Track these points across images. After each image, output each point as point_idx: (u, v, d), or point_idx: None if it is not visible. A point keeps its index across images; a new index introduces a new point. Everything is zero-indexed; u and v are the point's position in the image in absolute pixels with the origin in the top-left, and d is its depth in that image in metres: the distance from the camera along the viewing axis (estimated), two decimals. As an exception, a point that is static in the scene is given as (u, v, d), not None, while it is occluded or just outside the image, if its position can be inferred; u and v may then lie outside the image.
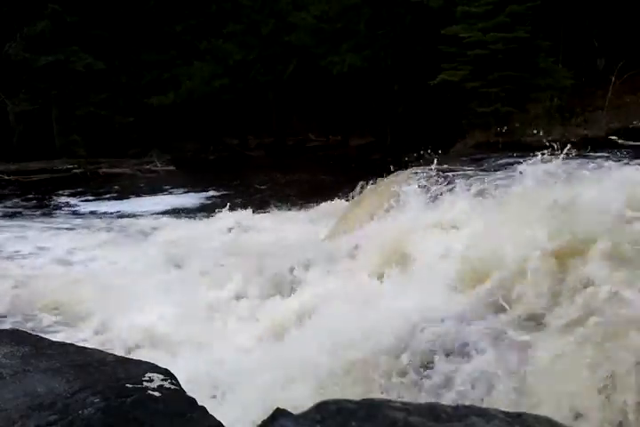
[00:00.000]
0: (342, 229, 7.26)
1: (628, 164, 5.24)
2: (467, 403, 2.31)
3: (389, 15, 15.57)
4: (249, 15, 19.27)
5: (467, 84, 12.35)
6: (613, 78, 12.90)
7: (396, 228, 5.52)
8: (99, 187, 15.23)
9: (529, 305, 3.50)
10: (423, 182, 6.82)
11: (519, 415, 1.34)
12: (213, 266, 7.39)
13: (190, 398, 2.04)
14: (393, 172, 8.16)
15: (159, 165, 17.98)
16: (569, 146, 4.79)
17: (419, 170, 7.61)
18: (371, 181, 8.69)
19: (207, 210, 11.29)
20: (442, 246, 4.65)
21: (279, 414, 1.36)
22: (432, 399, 3.15)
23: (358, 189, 9.00)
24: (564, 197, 3.85)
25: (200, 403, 2.02)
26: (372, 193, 7.90)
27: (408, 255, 4.93)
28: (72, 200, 13.77)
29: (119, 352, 3.93)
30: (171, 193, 14.22)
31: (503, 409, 1.40)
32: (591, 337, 3.09)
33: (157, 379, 2.07)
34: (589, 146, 7.50)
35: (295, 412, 1.35)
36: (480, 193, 5.67)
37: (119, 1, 18.81)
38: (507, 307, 3.58)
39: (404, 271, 4.78)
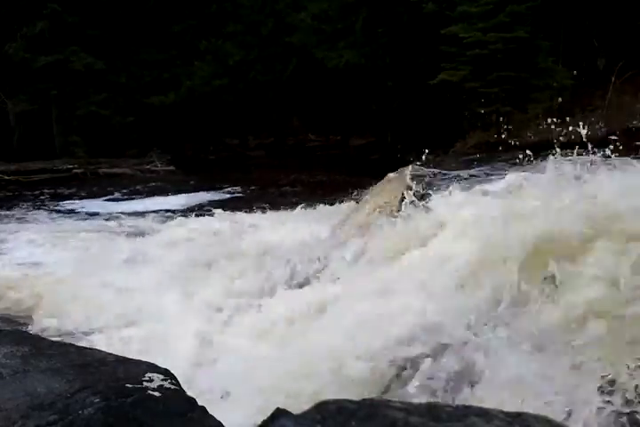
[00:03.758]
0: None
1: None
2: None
3: (388, 14, 15.59)
4: (249, 15, 19.30)
5: (466, 84, 12.36)
6: (613, 78, 12.90)
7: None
8: (99, 187, 15.23)
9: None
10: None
11: (519, 415, 1.34)
12: (214, 266, 7.39)
13: (190, 398, 2.04)
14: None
15: (159, 165, 17.99)
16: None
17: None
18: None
19: (208, 210, 11.29)
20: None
21: (279, 414, 1.36)
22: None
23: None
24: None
25: (200, 403, 2.02)
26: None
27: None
28: (72, 200, 13.77)
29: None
30: (171, 193, 14.21)
31: (503, 409, 1.40)
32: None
33: (157, 379, 2.07)
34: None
35: (295, 412, 1.35)
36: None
37: (118, 1, 18.82)
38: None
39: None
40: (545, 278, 3.50)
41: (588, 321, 3.14)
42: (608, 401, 2.76)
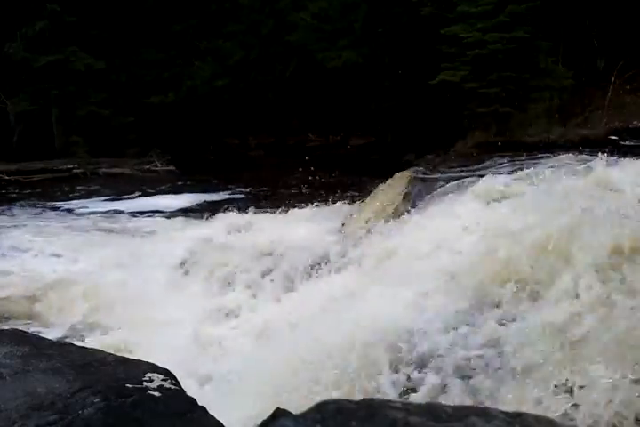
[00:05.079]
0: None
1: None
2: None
3: (388, 14, 15.59)
4: (249, 15, 19.28)
5: (466, 84, 12.34)
6: (613, 78, 12.89)
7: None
8: (99, 187, 15.22)
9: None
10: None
11: (519, 415, 1.34)
12: (215, 266, 7.39)
13: (190, 398, 2.04)
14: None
15: (159, 165, 17.98)
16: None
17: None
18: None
19: (208, 210, 11.28)
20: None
21: (279, 414, 1.36)
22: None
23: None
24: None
25: (200, 403, 2.02)
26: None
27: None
28: (72, 200, 13.76)
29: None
30: (171, 193, 14.20)
31: (503, 409, 1.40)
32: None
33: (157, 379, 2.07)
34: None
35: (295, 412, 1.35)
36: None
37: (118, 1, 18.80)
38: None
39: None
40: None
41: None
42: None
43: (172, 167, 17.93)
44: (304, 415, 1.30)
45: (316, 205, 9.95)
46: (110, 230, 10.31)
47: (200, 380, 4.61)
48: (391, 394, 3.42)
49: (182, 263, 7.75)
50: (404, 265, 4.90)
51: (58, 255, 8.60)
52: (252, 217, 9.54)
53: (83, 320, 6.39)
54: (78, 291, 6.93)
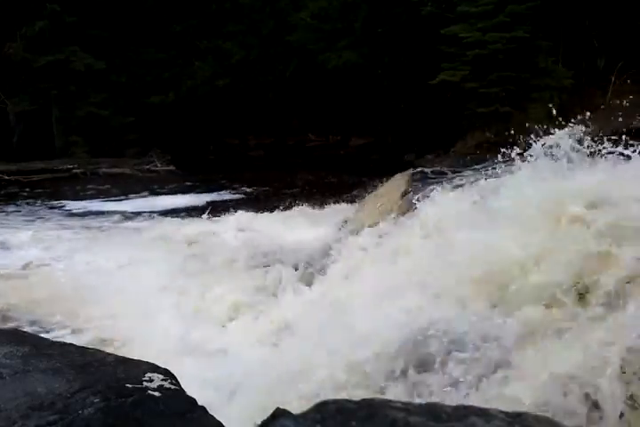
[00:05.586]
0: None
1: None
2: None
3: (387, 14, 15.61)
4: (249, 15, 19.31)
5: (466, 84, 12.36)
6: (613, 78, 12.91)
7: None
8: (99, 187, 15.22)
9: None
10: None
11: (519, 415, 1.34)
12: (215, 266, 7.38)
13: (190, 398, 2.04)
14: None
15: (159, 165, 17.99)
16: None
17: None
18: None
19: (208, 210, 11.27)
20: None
21: (279, 414, 1.35)
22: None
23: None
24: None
25: (200, 403, 2.02)
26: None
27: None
28: (72, 200, 13.75)
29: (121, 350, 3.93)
30: (171, 193, 14.21)
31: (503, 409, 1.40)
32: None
33: (157, 379, 2.07)
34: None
35: (295, 412, 1.35)
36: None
37: (118, 1, 18.82)
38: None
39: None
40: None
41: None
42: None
43: (172, 167, 17.95)
44: (304, 415, 1.30)
45: (316, 206, 9.96)
46: (109, 230, 10.31)
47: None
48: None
49: (180, 262, 7.72)
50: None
51: (55, 255, 8.60)
52: (248, 217, 9.54)
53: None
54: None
